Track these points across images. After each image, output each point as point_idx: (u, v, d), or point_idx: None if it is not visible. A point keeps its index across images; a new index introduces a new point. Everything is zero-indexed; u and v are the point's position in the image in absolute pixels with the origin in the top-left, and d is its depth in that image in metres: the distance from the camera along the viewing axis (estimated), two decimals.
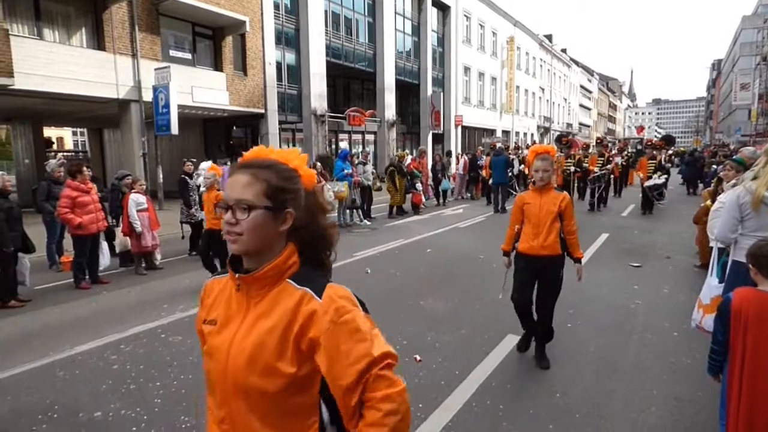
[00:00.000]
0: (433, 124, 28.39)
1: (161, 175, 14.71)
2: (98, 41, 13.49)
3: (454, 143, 28.79)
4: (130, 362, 4.01)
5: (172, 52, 15.61)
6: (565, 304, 5.22)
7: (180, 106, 14.17)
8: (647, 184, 11.86)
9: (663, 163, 12.69)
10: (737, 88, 41.26)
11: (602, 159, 13.45)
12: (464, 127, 31.39)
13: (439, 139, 28.51)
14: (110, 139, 22.34)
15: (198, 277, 6.78)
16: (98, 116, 17.19)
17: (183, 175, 8.31)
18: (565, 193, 3.62)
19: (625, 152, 19.04)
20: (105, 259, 6.66)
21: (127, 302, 5.73)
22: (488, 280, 6.31)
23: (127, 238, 6.96)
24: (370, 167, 12.49)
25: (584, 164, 13.55)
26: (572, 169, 12.86)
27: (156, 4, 14.48)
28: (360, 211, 11.58)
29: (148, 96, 14.01)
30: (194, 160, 8.85)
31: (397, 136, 26.20)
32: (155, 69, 13.90)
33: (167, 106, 13.61)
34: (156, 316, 5.13)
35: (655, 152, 12.53)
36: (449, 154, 19.17)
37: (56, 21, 12.92)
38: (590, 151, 14.90)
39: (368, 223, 11.43)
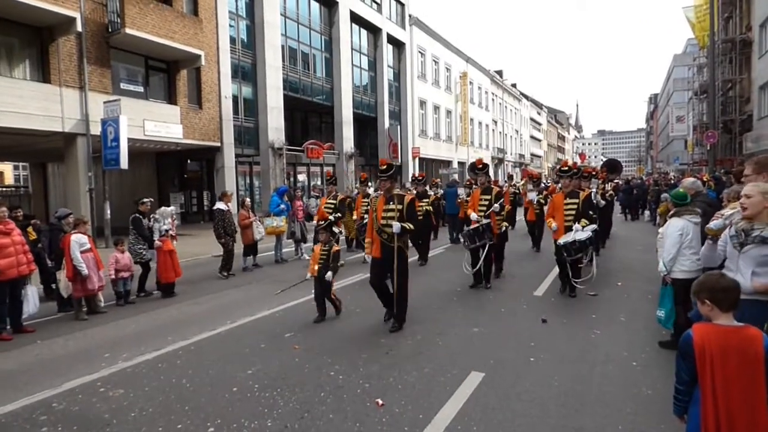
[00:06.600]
0: (391, 156, 28.75)
1: (109, 211, 14.02)
2: (43, 73, 13.02)
3: (412, 174, 29.17)
4: (62, 423, 3.61)
5: (124, 85, 15.22)
6: (526, 336, 5.22)
7: (131, 140, 13.71)
8: (561, 241, 6.81)
9: (594, 200, 8.04)
10: (673, 120, 44.23)
11: (487, 198, 7.72)
12: (422, 159, 31.97)
13: (397, 170, 28.84)
14: (54, 173, 21.37)
15: (146, 322, 6.36)
16: (41, 150, 16.41)
17: (137, 213, 7.98)
18: None
19: (541, 184, 15.16)
20: (30, 306, 6.07)
21: (63, 352, 5.25)
22: (450, 314, 6.26)
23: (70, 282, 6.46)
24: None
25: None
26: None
27: (107, 38, 14.14)
28: (301, 246, 11.24)
29: (96, 129, 13.50)
30: (151, 199, 8.56)
31: (355, 168, 26.29)
32: (104, 102, 13.45)
33: (117, 139, 13.12)
34: (96, 366, 4.70)
35: (584, 184, 7.96)
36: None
37: None
38: (485, 179, 8.10)
39: (307, 257, 11.09)
